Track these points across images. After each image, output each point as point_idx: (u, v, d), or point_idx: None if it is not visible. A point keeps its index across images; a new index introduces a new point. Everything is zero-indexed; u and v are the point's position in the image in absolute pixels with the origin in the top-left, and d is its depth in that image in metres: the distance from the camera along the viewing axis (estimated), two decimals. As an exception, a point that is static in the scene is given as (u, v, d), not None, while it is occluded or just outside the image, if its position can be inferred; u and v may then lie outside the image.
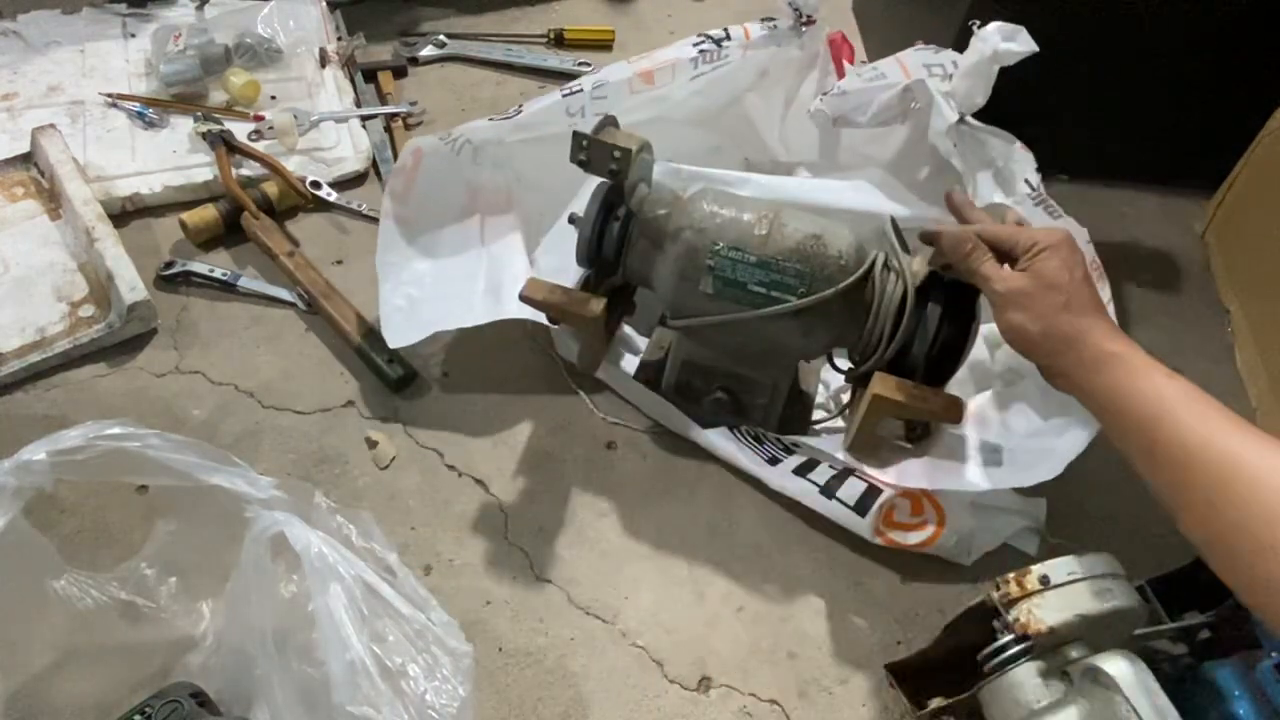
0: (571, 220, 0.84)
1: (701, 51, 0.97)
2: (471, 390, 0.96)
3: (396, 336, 0.91)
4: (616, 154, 0.78)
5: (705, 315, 0.81)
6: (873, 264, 0.78)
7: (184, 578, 0.73)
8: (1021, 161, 0.90)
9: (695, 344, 0.87)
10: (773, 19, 0.99)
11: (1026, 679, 0.62)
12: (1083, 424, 0.78)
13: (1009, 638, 0.63)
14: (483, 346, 0.94)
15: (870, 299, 0.78)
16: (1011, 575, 0.64)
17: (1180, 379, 0.60)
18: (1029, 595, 0.63)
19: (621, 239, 0.83)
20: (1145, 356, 0.63)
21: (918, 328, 0.77)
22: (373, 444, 0.90)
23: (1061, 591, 0.63)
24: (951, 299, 0.76)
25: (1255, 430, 0.56)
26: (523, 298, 0.84)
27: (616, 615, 0.81)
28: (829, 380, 0.99)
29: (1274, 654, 0.62)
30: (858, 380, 0.85)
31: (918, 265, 0.78)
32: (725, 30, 0.99)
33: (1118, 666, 0.59)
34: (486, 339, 0.91)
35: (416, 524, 0.85)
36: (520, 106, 0.96)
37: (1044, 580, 0.63)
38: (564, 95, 0.94)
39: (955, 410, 0.77)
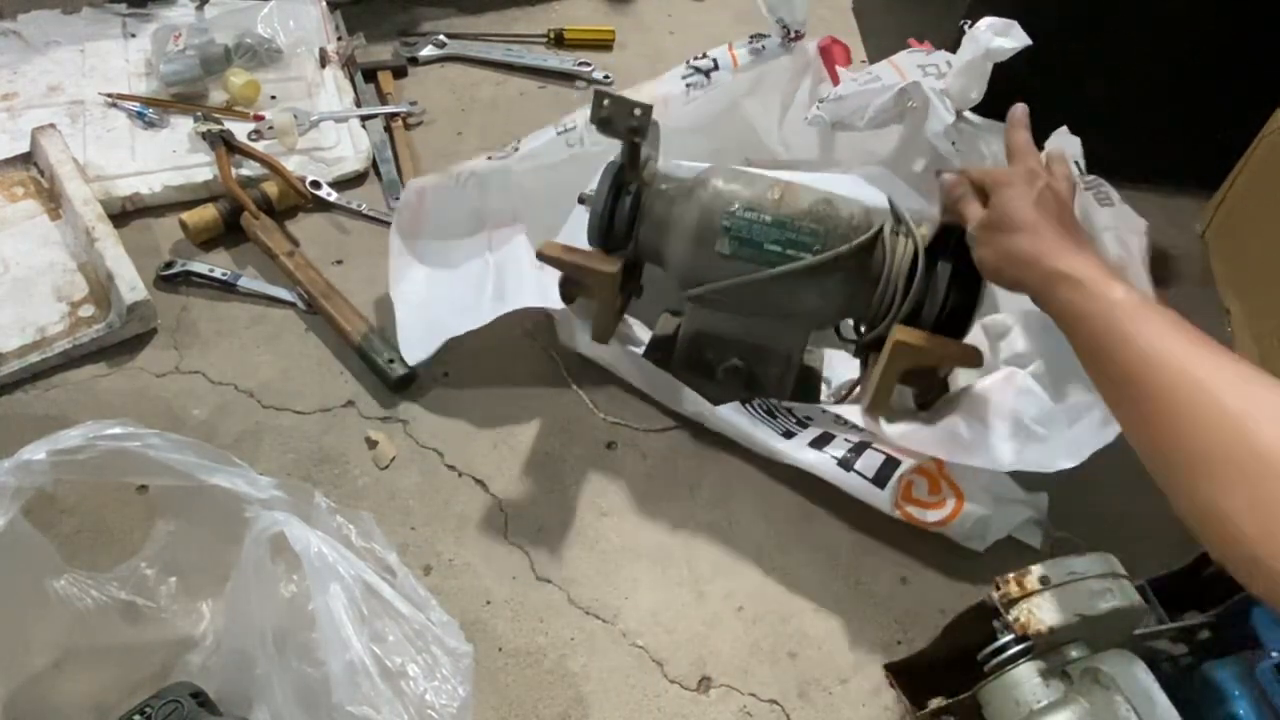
0: (581, 200, 0.84)
1: (689, 86, 0.99)
2: (472, 390, 0.96)
3: (414, 353, 0.93)
4: (638, 111, 0.78)
5: (720, 279, 0.82)
6: (883, 225, 0.79)
7: (184, 578, 0.73)
8: None
9: (708, 313, 0.87)
10: (760, 35, 1.01)
11: (1026, 679, 0.62)
12: (1098, 418, 0.77)
13: (1009, 638, 0.63)
14: (483, 346, 0.94)
15: (881, 259, 0.79)
16: (1011, 575, 0.64)
17: (1135, 293, 0.58)
18: (1029, 595, 0.63)
19: (633, 214, 0.83)
20: (1101, 272, 0.61)
21: (928, 288, 0.78)
22: (373, 444, 0.90)
23: (1061, 591, 0.63)
24: (960, 259, 0.77)
25: (1206, 341, 0.54)
26: (540, 255, 0.85)
27: (616, 615, 0.81)
28: (830, 379, 0.99)
29: (1274, 654, 0.62)
30: (869, 346, 0.85)
31: (925, 230, 0.80)
32: (713, 60, 1.01)
33: (1118, 666, 0.59)
34: (486, 339, 0.91)
35: (416, 524, 0.85)
36: (518, 142, 0.98)
37: (1044, 580, 0.63)
38: (559, 132, 0.97)
39: (975, 356, 0.77)
